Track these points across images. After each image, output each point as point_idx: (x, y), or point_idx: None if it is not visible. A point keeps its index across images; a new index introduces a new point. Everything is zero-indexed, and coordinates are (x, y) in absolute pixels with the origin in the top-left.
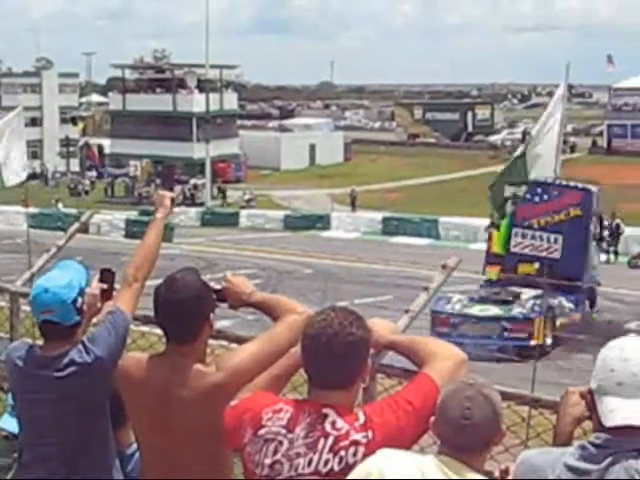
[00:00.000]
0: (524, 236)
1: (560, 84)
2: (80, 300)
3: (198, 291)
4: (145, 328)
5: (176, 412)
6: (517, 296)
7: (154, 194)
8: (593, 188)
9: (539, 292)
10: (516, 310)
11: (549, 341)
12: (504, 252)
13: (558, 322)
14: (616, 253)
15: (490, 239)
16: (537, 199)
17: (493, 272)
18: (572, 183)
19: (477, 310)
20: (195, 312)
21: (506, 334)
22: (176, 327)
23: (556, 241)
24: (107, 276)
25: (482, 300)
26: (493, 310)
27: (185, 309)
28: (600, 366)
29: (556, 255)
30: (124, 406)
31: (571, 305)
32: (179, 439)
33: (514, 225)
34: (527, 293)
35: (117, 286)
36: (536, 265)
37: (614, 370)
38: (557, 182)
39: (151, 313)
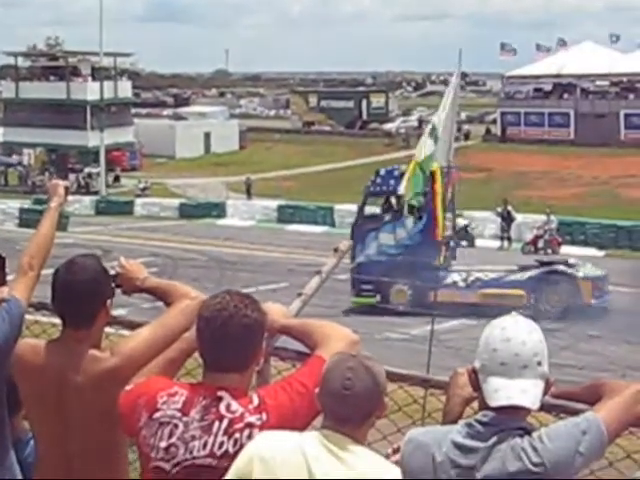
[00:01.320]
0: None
1: (454, 72)
2: None
3: (97, 274)
4: (39, 316)
5: (71, 398)
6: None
7: (48, 183)
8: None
9: None
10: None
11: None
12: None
13: None
14: (509, 239)
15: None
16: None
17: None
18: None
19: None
20: (93, 296)
21: None
22: (73, 310)
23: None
24: None
25: None
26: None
27: (83, 292)
28: (483, 345)
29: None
30: (16, 393)
31: None
32: (74, 426)
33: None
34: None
35: (7, 271)
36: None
37: (497, 350)
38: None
39: (46, 300)
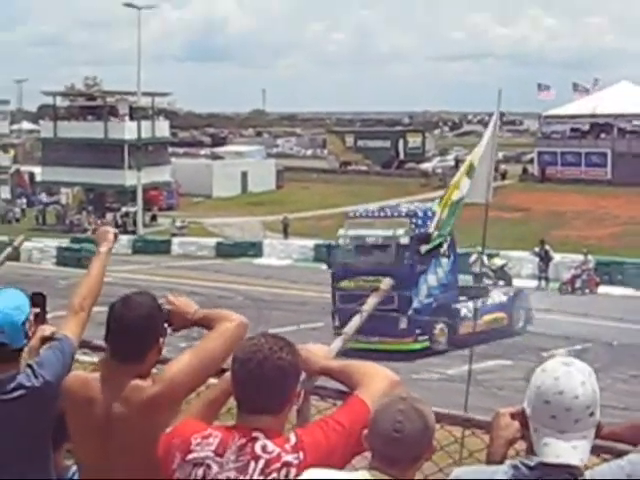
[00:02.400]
0: None
1: (493, 111)
2: (27, 324)
3: (152, 311)
4: (79, 354)
5: (116, 430)
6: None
7: (97, 229)
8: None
9: None
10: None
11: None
12: None
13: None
14: (547, 279)
15: None
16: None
17: None
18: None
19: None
20: (147, 331)
21: None
22: (126, 345)
23: None
24: (38, 300)
25: None
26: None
27: (137, 327)
28: (534, 393)
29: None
30: (60, 429)
31: None
32: (119, 457)
33: None
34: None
35: (47, 309)
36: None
37: (549, 402)
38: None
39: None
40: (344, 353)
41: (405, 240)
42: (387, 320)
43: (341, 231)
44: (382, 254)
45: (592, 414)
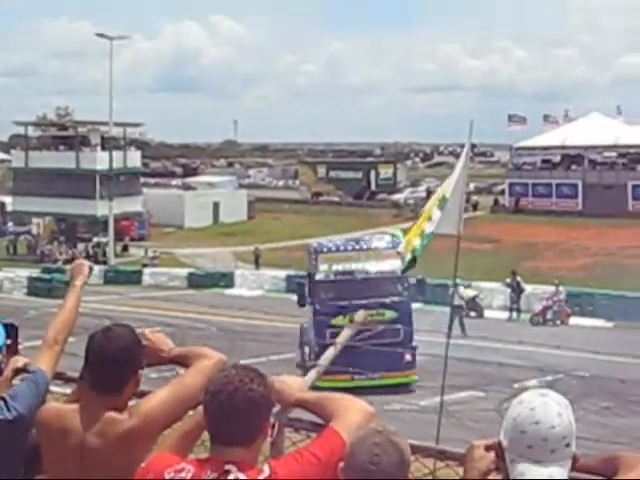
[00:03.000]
0: None
1: (464, 143)
2: (0, 356)
3: (132, 344)
4: (55, 388)
5: (91, 461)
6: None
7: (67, 257)
8: None
9: None
10: None
11: None
12: None
13: None
14: (518, 310)
15: None
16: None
17: None
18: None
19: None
20: (126, 363)
21: None
22: (105, 376)
23: None
24: (10, 331)
25: None
26: None
27: (117, 358)
28: (511, 423)
29: None
30: (34, 460)
31: None
32: None
33: None
34: None
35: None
36: None
37: (525, 432)
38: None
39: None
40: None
41: (399, 272)
42: (392, 354)
43: (323, 266)
44: (380, 288)
45: (568, 445)
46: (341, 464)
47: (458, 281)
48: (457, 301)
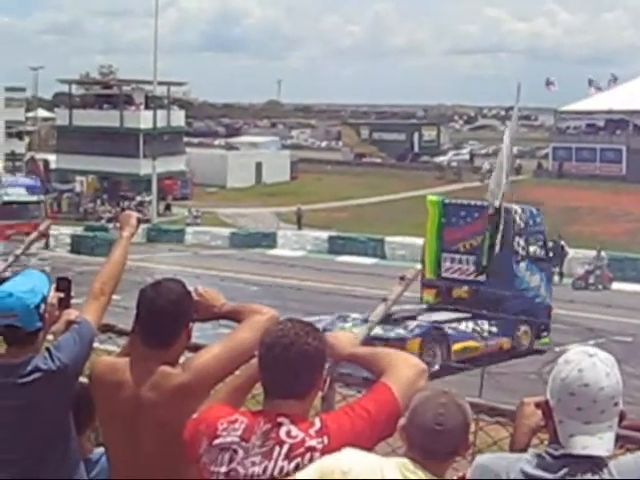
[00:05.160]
0: (452, 260)
1: (508, 105)
2: (43, 307)
3: (182, 297)
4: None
5: (144, 415)
6: (412, 317)
7: (120, 214)
8: (515, 207)
9: (461, 315)
10: (395, 331)
11: (436, 367)
12: (435, 277)
13: (454, 347)
14: (561, 274)
15: (423, 263)
16: (461, 222)
17: (430, 295)
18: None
19: (360, 330)
20: (177, 316)
21: None
22: (156, 329)
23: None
24: (63, 284)
25: (394, 321)
26: (376, 330)
27: (167, 311)
28: (559, 384)
29: (481, 278)
30: (86, 413)
31: (494, 329)
32: (146, 443)
33: (443, 250)
34: (425, 315)
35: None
36: (465, 288)
37: (574, 394)
38: (477, 203)
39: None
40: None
41: None
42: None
43: None
44: None
45: (616, 404)
46: (402, 421)
47: None
48: None
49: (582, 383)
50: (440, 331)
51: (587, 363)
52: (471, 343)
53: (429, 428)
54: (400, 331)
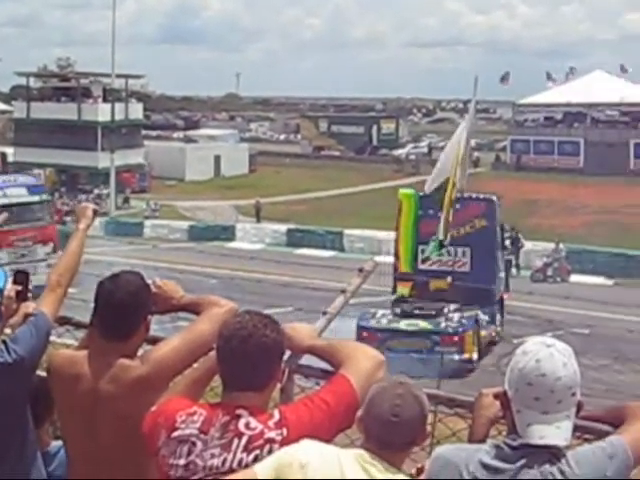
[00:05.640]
0: None
1: (467, 99)
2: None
3: (140, 289)
4: (54, 336)
5: (103, 408)
6: (441, 310)
7: (77, 206)
8: (494, 198)
9: (459, 306)
10: (444, 324)
11: (475, 356)
12: (412, 270)
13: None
14: (518, 266)
15: (397, 257)
16: (439, 214)
17: (405, 289)
18: (473, 194)
19: (404, 325)
20: (135, 309)
21: (437, 348)
22: (115, 321)
23: (464, 254)
24: (21, 277)
25: (406, 315)
26: (421, 324)
27: (125, 304)
28: (516, 374)
29: (465, 268)
30: (44, 406)
31: (487, 318)
32: (105, 436)
33: (420, 242)
34: (449, 307)
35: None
36: (448, 279)
37: (531, 384)
38: (458, 195)
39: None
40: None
41: None
42: None
43: None
44: None
45: (574, 394)
46: (359, 412)
47: None
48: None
49: (539, 373)
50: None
51: (544, 353)
52: (483, 332)
53: (385, 419)
54: (452, 324)
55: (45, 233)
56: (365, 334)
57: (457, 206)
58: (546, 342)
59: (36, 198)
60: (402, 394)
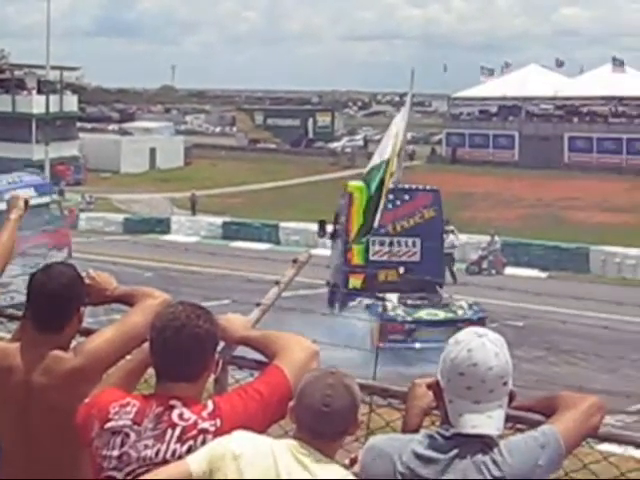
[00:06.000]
0: (382, 244)
1: (403, 92)
2: None
3: (73, 280)
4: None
5: (36, 400)
6: (443, 299)
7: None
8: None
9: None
10: (461, 311)
11: None
12: (364, 262)
13: None
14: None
15: (350, 250)
16: (389, 205)
17: (357, 281)
18: (420, 186)
19: (426, 315)
20: (68, 299)
21: None
22: (48, 312)
23: (414, 244)
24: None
25: (416, 306)
26: (441, 314)
27: (58, 295)
28: (449, 364)
29: (416, 258)
30: None
31: None
32: (38, 429)
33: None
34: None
35: None
36: (401, 270)
37: (463, 374)
38: (406, 186)
39: None
40: None
41: None
42: None
43: None
44: None
45: (505, 383)
46: (291, 403)
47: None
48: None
49: (471, 363)
50: None
51: (476, 343)
52: None
53: (316, 409)
54: (468, 311)
55: (59, 237)
56: (389, 326)
57: (406, 197)
58: (478, 332)
59: (46, 199)
60: (333, 384)
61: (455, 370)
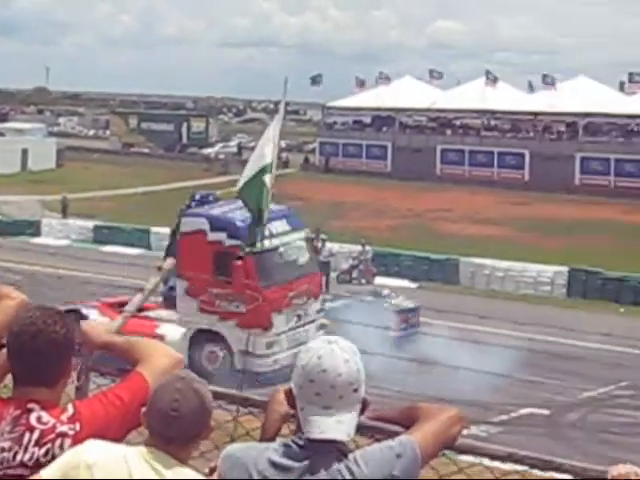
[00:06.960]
0: None
1: (278, 99)
2: None
3: None
4: None
5: None
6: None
7: None
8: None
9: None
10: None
11: None
12: None
13: None
14: None
15: None
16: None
17: None
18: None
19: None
20: None
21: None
22: None
23: None
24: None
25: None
26: (403, 303)
27: None
28: (299, 371)
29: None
30: None
31: None
32: None
33: None
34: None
35: None
36: None
37: (313, 381)
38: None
39: None
40: None
41: None
42: None
43: None
44: None
45: (356, 390)
46: (143, 409)
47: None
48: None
49: (321, 369)
50: None
51: (326, 350)
52: None
53: (165, 414)
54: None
55: (315, 283)
56: (401, 316)
57: None
58: (329, 339)
59: (302, 234)
60: (181, 389)
61: (306, 377)
